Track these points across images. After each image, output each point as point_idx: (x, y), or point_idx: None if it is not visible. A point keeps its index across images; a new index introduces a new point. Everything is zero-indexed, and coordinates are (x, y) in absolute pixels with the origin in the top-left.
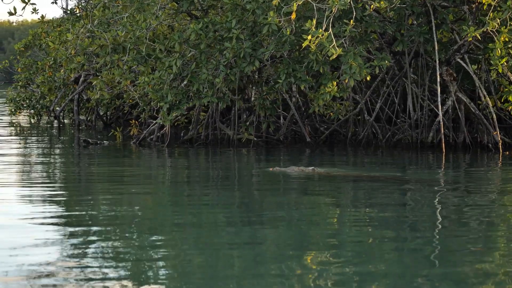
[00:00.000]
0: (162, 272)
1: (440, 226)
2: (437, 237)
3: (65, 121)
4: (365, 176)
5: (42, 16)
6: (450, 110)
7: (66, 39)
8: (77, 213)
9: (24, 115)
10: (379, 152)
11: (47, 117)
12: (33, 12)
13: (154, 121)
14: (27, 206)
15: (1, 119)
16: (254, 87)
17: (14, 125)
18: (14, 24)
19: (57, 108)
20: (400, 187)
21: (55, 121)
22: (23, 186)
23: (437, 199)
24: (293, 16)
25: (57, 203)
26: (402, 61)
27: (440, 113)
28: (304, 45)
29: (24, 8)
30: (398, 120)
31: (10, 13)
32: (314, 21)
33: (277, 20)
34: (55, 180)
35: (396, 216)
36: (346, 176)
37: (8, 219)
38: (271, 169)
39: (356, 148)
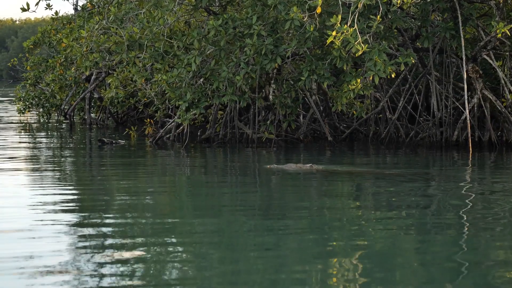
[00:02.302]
0: (179, 270)
1: (463, 224)
2: (462, 233)
3: (75, 119)
4: (366, 172)
5: (56, 13)
6: (475, 108)
7: (80, 36)
8: (94, 211)
9: (33, 114)
10: (403, 151)
11: (56, 116)
12: (46, 8)
13: (171, 120)
14: (48, 204)
15: (10, 118)
16: (272, 85)
17: (24, 124)
18: (17, 22)
19: (65, 107)
20: (415, 183)
21: (65, 120)
22: (43, 187)
23: (453, 195)
24: (319, 10)
25: (77, 201)
26: (424, 58)
27: (467, 111)
28: (328, 41)
29: (37, 4)
30: (421, 119)
31: (23, 9)
32: (340, 17)
33: (301, 16)
34: (74, 181)
35: (416, 213)
36: (345, 173)
37: (27, 214)
38: (268, 166)
39: (378, 147)
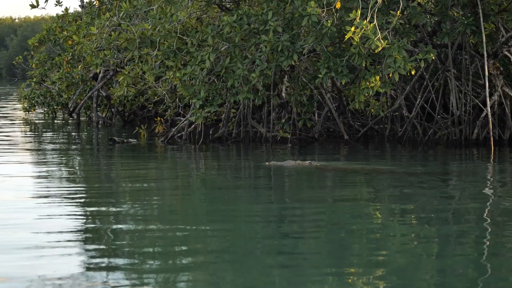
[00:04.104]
0: (191, 272)
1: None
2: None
3: (81, 118)
4: (366, 169)
5: (66, 9)
6: (495, 105)
7: (90, 33)
8: (108, 212)
9: (38, 113)
10: (421, 149)
11: (62, 115)
12: (56, 5)
13: (183, 119)
14: (64, 204)
15: (15, 117)
16: (286, 82)
17: (29, 123)
18: (16, 21)
19: (72, 105)
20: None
21: (71, 118)
22: (58, 187)
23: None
24: (338, 5)
25: (93, 202)
26: (441, 54)
27: (488, 108)
28: (347, 37)
29: (47, 0)
30: (438, 117)
31: (32, 6)
32: (359, 12)
33: (319, 11)
34: (90, 181)
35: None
36: (345, 170)
37: (39, 215)
38: (267, 163)
39: (395, 146)
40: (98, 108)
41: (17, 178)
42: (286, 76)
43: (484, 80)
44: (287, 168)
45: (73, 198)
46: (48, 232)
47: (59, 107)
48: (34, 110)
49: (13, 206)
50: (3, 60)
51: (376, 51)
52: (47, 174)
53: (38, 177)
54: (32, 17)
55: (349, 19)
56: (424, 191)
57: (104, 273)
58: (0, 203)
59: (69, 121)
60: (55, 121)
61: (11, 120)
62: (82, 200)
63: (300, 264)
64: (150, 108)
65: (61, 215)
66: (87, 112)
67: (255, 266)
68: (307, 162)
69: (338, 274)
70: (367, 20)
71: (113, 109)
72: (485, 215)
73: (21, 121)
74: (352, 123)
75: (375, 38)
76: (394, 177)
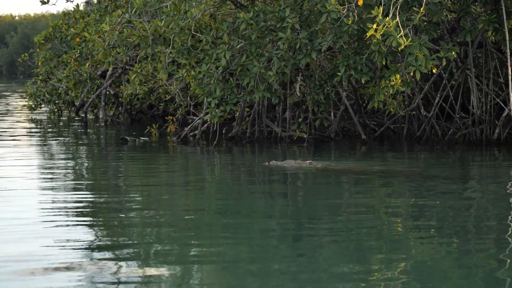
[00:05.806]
0: (209, 272)
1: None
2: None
3: (88, 116)
4: (368, 169)
5: (77, 5)
6: None
7: (97, 30)
8: (121, 207)
9: (42, 111)
10: (441, 149)
11: (68, 113)
12: (67, 1)
13: (192, 117)
14: (80, 201)
15: (19, 115)
16: (299, 81)
17: (34, 121)
18: (16, 18)
19: (78, 103)
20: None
21: (76, 117)
22: (71, 187)
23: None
24: (360, 1)
25: (105, 197)
26: (459, 53)
27: (511, 107)
28: (368, 34)
29: None
30: (457, 116)
31: (43, 2)
32: (381, 9)
33: (340, 8)
34: (105, 182)
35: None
36: (346, 170)
37: (55, 218)
38: (267, 163)
39: (413, 146)
40: (105, 107)
41: (27, 175)
42: (300, 75)
43: (507, 78)
44: (287, 169)
45: (90, 194)
46: (57, 226)
47: (65, 105)
48: (40, 108)
49: (23, 204)
50: (4, 58)
51: (399, 49)
52: (60, 171)
53: (51, 174)
54: (32, 15)
55: (370, 16)
56: (442, 191)
57: (111, 267)
58: (10, 201)
59: (75, 119)
60: (61, 119)
61: (15, 118)
62: (98, 195)
63: (317, 263)
64: (160, 107)
65: (75, 209)
66: (94, 111)
67: (270, 264)
68: (307, 162)
69: (356, 274)
70: (389, 17)
71: (120, 108)
72: (506, 214)
73: (27, 119)
74: (368, 122)
75: (397, 35)
76: (402, 178)
